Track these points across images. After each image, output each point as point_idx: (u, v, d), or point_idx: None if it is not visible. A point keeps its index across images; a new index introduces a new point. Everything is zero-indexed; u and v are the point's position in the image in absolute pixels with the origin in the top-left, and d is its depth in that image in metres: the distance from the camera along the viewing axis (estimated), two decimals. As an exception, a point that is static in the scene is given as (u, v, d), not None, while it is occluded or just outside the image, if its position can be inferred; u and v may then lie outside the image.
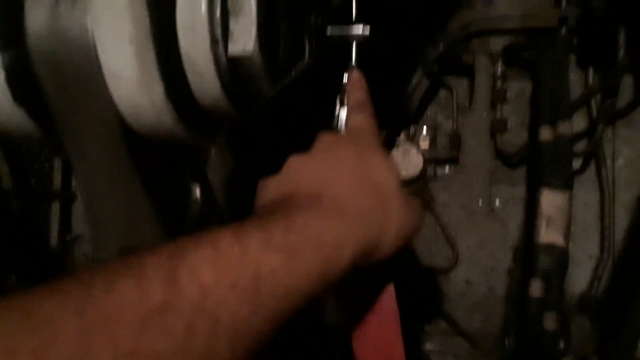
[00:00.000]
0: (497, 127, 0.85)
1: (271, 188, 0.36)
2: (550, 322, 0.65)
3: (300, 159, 0.37)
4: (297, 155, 0.37)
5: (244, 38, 0.34)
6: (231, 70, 0.35)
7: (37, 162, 0.91)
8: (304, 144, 0.39)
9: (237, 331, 0.25)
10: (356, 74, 0.48)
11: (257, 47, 0.34)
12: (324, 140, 0.38)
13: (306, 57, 0.52)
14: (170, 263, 0.25)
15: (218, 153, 0.43)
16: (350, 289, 0.39)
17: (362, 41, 0.51)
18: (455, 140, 0.87)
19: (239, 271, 0.26)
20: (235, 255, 0.26)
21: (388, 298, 0.40)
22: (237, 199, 0.60)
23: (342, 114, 0.46)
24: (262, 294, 0.26)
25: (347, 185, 0.34)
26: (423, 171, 0.82)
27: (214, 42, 0.33)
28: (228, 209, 0.58)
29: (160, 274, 0.24)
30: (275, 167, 0.37)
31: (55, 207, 0.93)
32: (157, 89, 0.33)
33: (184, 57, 0.34)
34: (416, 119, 0.91)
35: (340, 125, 0.46)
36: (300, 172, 0.36)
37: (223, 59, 0.34)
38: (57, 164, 0.93)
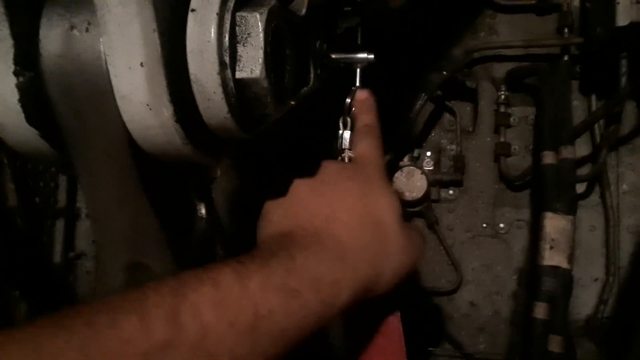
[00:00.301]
0: (501, 151, 0.85)
1: (274, 219, 0.35)
2: (555, 344, 0.64)
3: (303, 189, 0.36)
4: (301, 183, 0.37)
5: (252, 63, 0.35)
6: (238, 93, 0.35)
7: (42, 180, 0.92)
8: (307, 166, 0.39)
9: None
10: (365, 93, 0.47)
11: (263, 72, 0.35)
12: (328, 170, 0.38)
13: (311, 81, 0.53)
14: (172, 301, 0.25)
15: (223, 173, 0.44)
16: (355, 315, 0.39)
17: (366, 66, 0.52)
18: (460, 164, 0.88)
19: (238, 310, 0.26)
20: (235, 294, 0.27)
21: (394, 323, 0.40)
22: (240, 219, 0.61)
23: (346, 135, 0.46)
24: (260, 333, 0.27)
25: (348, 223, 0.34)
26: (427, 193, 0.83)
27: (222, 66, 0.34)
28: (231, 227, 0.58)
29: (163, 311, 0.24)
30: (278, 188, 0.37)
31: (59, 225, 0.93)
32: (167, 111, 0.34)
33: (193, 81, 0.35)
34: (420, 142, 0.92)
35: (345, 146, 0.46)
36: (302, 205, 0.35)
37: (230, 83, 0.35)
38: (62, 182, 0.94)
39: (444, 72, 0.83)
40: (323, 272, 0.31)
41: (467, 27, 0.89)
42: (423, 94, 0.82)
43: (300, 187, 0.37)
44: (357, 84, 0.53)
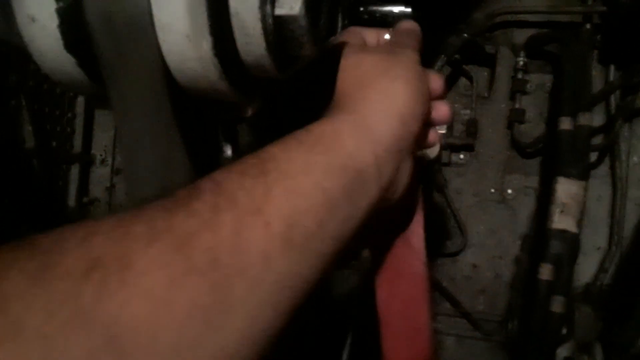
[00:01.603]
0: (515, 118, 0.86)
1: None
2: (558, 305, 0.66)
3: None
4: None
5: (291, 0, 0.35)
6: (276, 30, 0.36)
7: (59, 125, 0.92)
8: None
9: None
10: (413, 24, 0.45)
11: (303, 9, 0.35)
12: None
13: (338, 32, 0.53)
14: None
15: (250, 118, 0.44)
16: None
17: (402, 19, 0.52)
18: (472, 128, 0.88)
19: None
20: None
21: (415, 236, 0.40)
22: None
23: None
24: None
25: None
26: (439, 155, 0.84)
27: (262, 1, 0.34)
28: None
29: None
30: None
31: (75, 170, 0.94)
32: (206, 44, 0.35)
33: (233, 15, 0.35)
34: (435, 105, 0.92)
35: None
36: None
37: (270, 19, 0.35)
38: (78, 129, 0.95)
39: (464, 35, 0.82)
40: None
41: (490, -9, 0.88)
42: (442, 56, 0.81)
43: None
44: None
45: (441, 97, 0.43)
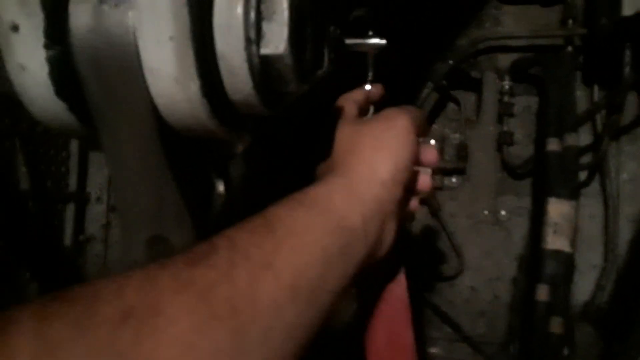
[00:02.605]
0: (504, 140, 0.87)
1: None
2: (556, 326, 0.66)
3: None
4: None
5: (276, 39, 0.36)
6: (263, 69, 0.37)
7: (54, 165, 0.93)
8: (318, 153, 0.42)
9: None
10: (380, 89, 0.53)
11: (288, 47, 0.36)
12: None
13: (325, 65, 0.55)
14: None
15: (241, 153, 0.45)
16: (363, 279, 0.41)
17: (379, 52, 0.54)
18: (463, 152, 0.89)
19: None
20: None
21: (399, 285, 0.42)
22: (254, 201, 0.62)
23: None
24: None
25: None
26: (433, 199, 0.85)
27: (248, 42, 0.35)
28: (244, 208, 0.60)
29: None
30: (291, 172, 0.41)
31: (70, 209, 0.94)
32: (194, 86, 0.35)
33: (220, 56, 0.36)
34: (425, 131, 0.93)
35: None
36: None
37: (256, 58, 0.36)
38: (73, 167, 0.96)
39: (450, 62, 0.84)
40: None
41: (473, 18, 0.90)
42: (429, 83, 0.83)
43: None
44: (370, 70, 0.55)
45: (432, 165, 0.47)
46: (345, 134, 0.43)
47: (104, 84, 0.38)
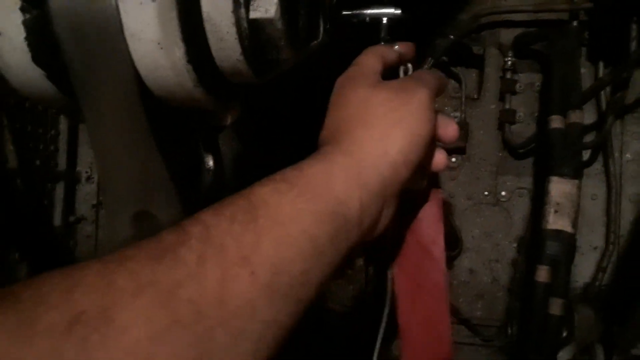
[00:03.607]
0: (506, 118, 0.85)
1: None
2: (555, 307, 0.65)
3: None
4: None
5: (267, 2, 0.34)
6: (252, 34, 0.35)
7: (43, 143, 0.90)
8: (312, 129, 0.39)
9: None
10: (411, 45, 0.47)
11: (278, 12, 0.34)
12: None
13: (320, 35, 0.52)
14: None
15: (232, 125, 0.43)
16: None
17: (392, 20, 0.51)
18: (463, 131, 0.87)
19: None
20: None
21: (433, 206, 0.40)
22: (244, 174, 0.60)
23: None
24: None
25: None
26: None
27: (236, 5, 0.33)
28: (235, 182, 0.58)
29: None
30: (281, 150, 0.37)
31: (60, 189, 0.92)
32: (178, 51, 0.33)
33: (206, 20, 0.34)
34: (424, 108, 0.91)
35: None
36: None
37: (244, 23, 0.34)
38: (62, 146, 0.93)
39: (451, 37, 0.81)
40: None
41: (475, -8, 0.87)
42: (429, 59, 0.80)
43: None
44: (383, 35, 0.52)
45: (452, 142, 0.42)
46: (359, 97, 0.37)
47: (84, 49, 0.35)
